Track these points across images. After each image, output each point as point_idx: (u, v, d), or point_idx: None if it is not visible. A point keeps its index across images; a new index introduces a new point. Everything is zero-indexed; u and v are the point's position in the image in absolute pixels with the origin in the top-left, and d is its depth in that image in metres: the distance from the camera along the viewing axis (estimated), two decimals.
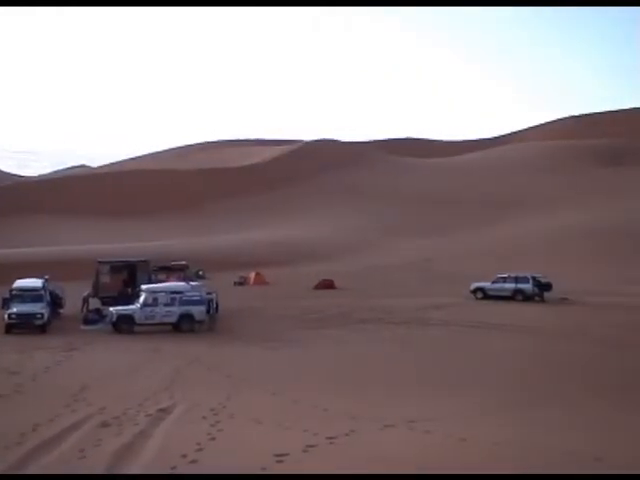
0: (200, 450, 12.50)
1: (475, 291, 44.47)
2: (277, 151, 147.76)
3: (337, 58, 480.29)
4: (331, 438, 13.32)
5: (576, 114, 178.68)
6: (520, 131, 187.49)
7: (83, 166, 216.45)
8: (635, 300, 42.63)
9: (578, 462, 11.72)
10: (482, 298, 43.60)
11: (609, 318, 35.55)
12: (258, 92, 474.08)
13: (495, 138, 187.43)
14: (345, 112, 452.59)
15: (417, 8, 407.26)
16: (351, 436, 13.66)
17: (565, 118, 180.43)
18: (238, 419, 15.38)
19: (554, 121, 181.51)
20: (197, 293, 33.93)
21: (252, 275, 60.05)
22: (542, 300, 43.28)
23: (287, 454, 12.04)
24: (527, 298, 43.01)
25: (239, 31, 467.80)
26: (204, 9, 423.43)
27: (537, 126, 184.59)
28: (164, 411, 16.17)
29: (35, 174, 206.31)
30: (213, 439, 13.41)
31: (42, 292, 34.65)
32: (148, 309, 32.86)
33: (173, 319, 33.05)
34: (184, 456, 12.07)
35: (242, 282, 59.10)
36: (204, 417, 15.43)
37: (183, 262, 48.23)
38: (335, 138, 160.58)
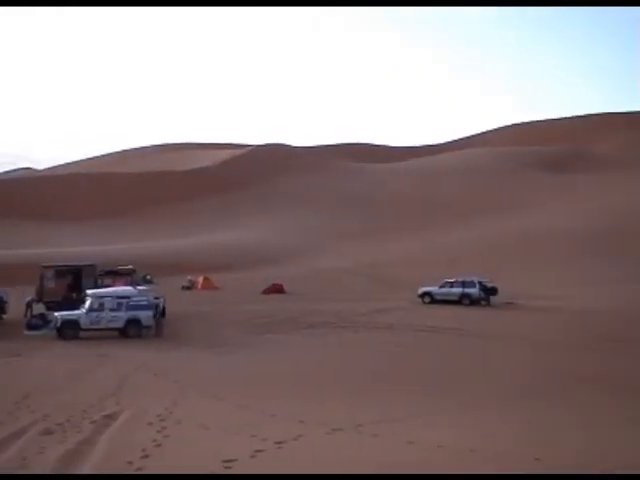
0: (146, 457, 12.34)
1: (423, 295, 44.96)
2: (226, 155, 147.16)
3: (285, 63, 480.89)
4: (279, 443, 13.29)
5: (518, 122, 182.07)
6: (465, 138, 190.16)
7: (29, 169, 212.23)
8: (576, 302, 43.69)
9: (518, 462, 11.93)
10: (430, 302, 44.10)
11: (551, 321, 36.36)
12: (203, 95, 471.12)
13: (440, 144, 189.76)
14: (294, 117, 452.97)
15: (368, 10, 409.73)
16: (299, 440, 13.66)
17: (509, 125, 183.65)
18: (185, 425, 15.24)
19: (499, 128, 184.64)
20: (144, 298, 33.52)
21: (200, 279, 59.65)
22: (488, 304, 43.96)
23: (235, 460, 11.97)
24: (473, 302, 43.65)
25: (178, 33, 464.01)
26: (139, 9, 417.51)
27: (482, 133, 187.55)
28: (109, 417, 15.93)
29: None
30: (159, 445, 13.25)
31: None
32: (94, 314, 32.32)
33: (120, 324, 32.57)
34: (129, 463, 11.91)
35: (190, 287, 58.66)
36: (150, 423, 15.25)
37: (130, 266, 47.68)
38: (284, 142, 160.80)
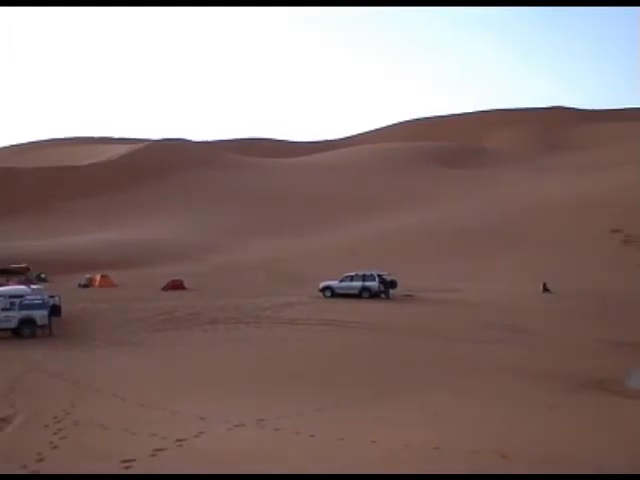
0: (41, 460, 12.03)
1: (323, 290, 45.28)
2: (124, 149, 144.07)
3: (186, 58, 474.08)
4: (180, 440, 13.19)
5: (419, 117, 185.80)
6: (363, 133, 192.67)
7: None
8: (472, 295, 45.13)
9: (418, 453, 12.26)
10: (331, 296, 44.49)
11: (448, 313, 37.39)
12: (101, 89, 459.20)
13: (341, 140, 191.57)
14: (194, 111, 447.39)
15: (269, 8, 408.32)
16: (200, 437, 13.59)
17: (406, 121, 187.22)
18: (83, 426, 14.90)
19: (395, 124, 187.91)
20: (39, 297, 32.44)
21: (98, 277, 58.24)
22: (388, 297, 44.72)
23: (134, 459, 11.81)
24: (373, 295, 44.34)
25: (78, 28, 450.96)
26: None
27: (382, 128, 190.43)
28: (3, 420, 15.41)
29: None
30: (55, 447, 12.93)
31: None
32: None
33: (13, 324, 31.38)
34: (24, 467, 11.58)
35: (87, 284, 57.19)
36: (46, 425, 14.84)
37: (24, 265, 46.14)
38: (184, 137, 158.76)
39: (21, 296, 31.91)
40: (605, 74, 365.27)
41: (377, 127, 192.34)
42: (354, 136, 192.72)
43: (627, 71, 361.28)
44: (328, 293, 44.94)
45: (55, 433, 14.07)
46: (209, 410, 16.28)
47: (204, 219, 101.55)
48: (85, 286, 56.55)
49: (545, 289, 47.20)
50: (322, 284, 45.89)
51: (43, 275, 55.11)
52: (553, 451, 12.50)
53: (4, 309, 31.21)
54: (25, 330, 31.23)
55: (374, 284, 44.70)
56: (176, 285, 52.99)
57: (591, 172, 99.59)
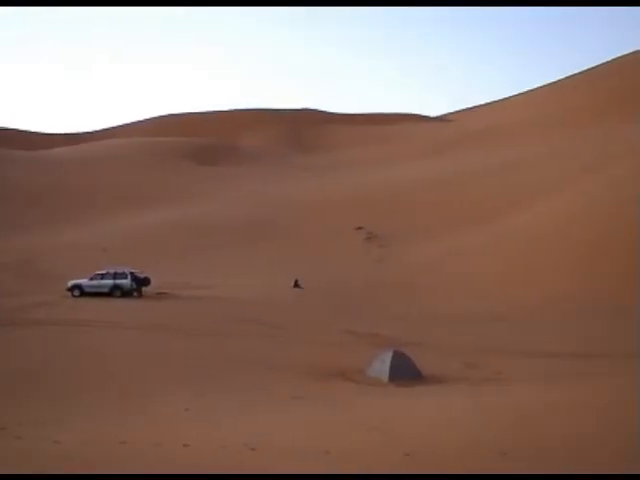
0: None
1: (72, 289, 43.41)
2: None
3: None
4: None
5: (174, 113, 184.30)
6: (117, 127, 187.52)
7: None
8: (227, 291, 45.76)
9: (167, 452, 12.30)
10: (80, 295, 42.85)
11: (202, 309, 37.62)
12: None
13: (96, 132, 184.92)
14: None
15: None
16: None
17: (164, 116, 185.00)
18: None
19: (152, 118, 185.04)
20: None
21: None
22: (140, 295, 43.98)
23: None
24: (125, 293, 43.38)
25: None
26: None
27: (136, 122, 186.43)
28: None
29: None
30: None
31: None
32: None
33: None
34: None
35: None
36: None
37: None
38: None
39: None
40: (351, 79, 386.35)
41: (132, 121, 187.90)
42: (110, 129, 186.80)
43: (370, 77, 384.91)
44: (77, 292, 43.15)
45: None
46: None
47: None
48: None
49: (296, 285, 48.98)
50: (70, 283, 43.93)
51: None
52: (298, 439, 13.10)
53: None
54: None
55: (126, 282, 43.74)
56: None
57: (338, 172, 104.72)
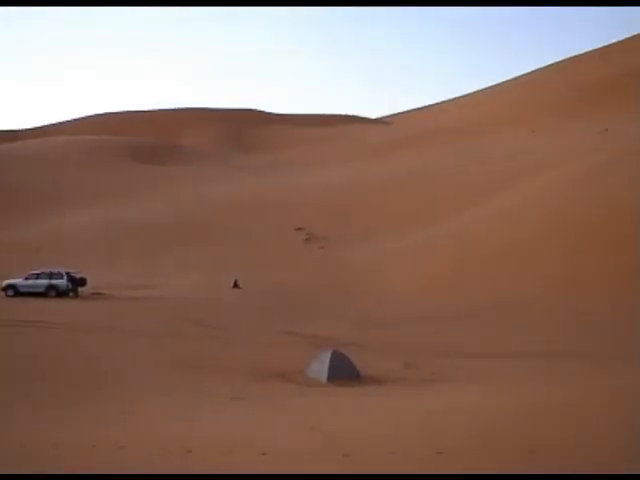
0: None
1: (6, 289, 42.70)
2: None
3: None
4: None
5: (112, 111, 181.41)
6: (44, 126, 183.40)
7: None
8: (164, 291, 45.36)
9: (104, 454, 12.13)
10: (14, 295, 42.09)
11: (140, 310, 37.21)
12: None
13: (28, 130, 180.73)
14: None
15: None
16: None
17: (101, 114, 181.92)
18: None
19: (89, 116, 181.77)
20: None
21: None
22: (76, 295, 43.34)
23: None
24: (61, 294, 42.70)
25: None
26: None
27: (72, 120, 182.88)
28: None
29: None
30: None
31: None
32: None
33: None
34: None
35: None
36: None
37: None
38: None
39: None
40: (292, 80, 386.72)
41: (69, 119, 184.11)
42: (47, 126, 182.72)
43: (311, 78, 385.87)
44: (11, 292, 42.47)
45: None
46: None
47: None
48: None
49: (235, 285, 48.81)
50: (4, 282, 43.21)
51: None
52: (237, 441, 13.06)
53: None
54: None
55: (62, 282, 43.04)
56: None
57: (278, 172, 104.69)
